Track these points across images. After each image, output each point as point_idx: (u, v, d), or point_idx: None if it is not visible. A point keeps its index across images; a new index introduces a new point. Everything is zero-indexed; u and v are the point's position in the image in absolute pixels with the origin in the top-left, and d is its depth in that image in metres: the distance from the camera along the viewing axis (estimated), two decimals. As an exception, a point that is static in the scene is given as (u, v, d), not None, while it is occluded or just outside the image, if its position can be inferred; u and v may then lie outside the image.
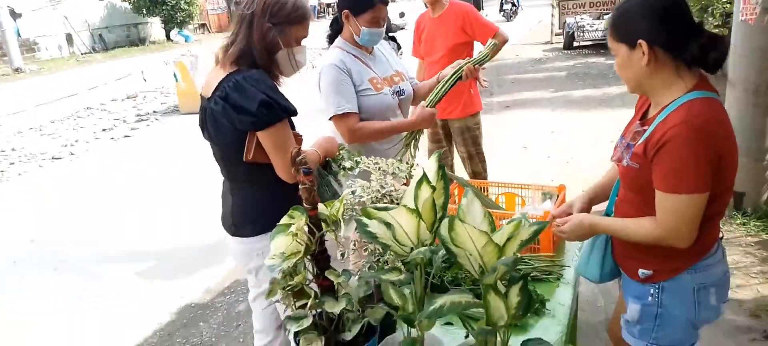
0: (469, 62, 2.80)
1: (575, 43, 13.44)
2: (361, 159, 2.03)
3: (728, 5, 7.16)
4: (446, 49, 3.80)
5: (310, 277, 1.44)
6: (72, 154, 8.24)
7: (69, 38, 22.20)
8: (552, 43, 14.82)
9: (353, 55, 2.61)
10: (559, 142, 6.55)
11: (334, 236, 1.47)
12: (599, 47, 12.90)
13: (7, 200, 6.56)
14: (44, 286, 4.35)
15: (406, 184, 1.71)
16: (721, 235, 1.77)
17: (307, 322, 1.39)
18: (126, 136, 9.09)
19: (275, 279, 1.42)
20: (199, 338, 3.46)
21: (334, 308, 1.38)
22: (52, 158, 8.04)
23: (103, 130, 9.54)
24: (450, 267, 2.00)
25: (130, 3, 23.50)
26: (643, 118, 1.74)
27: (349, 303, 1.41)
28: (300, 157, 1.43)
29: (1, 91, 14.47)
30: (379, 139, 2.63)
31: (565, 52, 13.47)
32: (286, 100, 1.95)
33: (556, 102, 8.58)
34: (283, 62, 2.03)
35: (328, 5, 33.01)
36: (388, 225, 1.31)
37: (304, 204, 1.42)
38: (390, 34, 8.61)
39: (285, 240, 1.38)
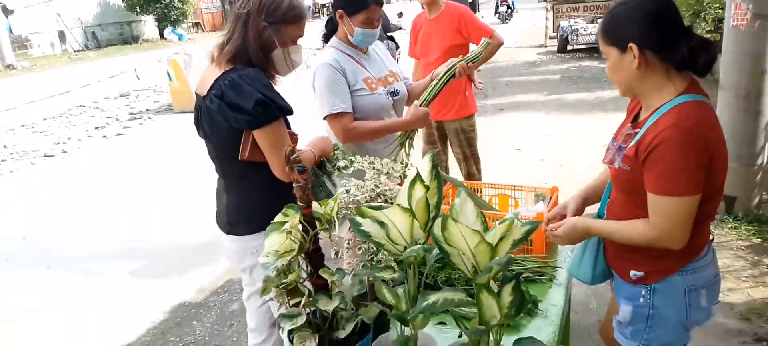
0: (462, 60, 2.81)
1: (569, 47, 13.50)
2: (356, 158, 2.03)
3: (720, 10, 7.21)
4: (442, 50, 3.82)
5: (304, 275, 1.45)
6: (64, 152, 8.21)
7: (62, 35, 22.08)
8: (546, 47, 14.88)
9: (348, 55, 2.61)
10: (552, 145, 6.58)
11: (327, 235, 1.48)
12: (593, 51, 12.95)
13: (-1, 197, 6.54)
14: (36, 283, 4.33)
15: (400, 184, 1.72)
16: (711, 237, 1.79)
17: (300, 320, 1.40)
18: (119, 135, 9.06)
19: (269, 277, 1.42)
20: (193, 337, 3.45)
21: (328, 306, 1.39)
22: (45, 156, 8.01)
23: (96, 128, 9.51)
24: (443, 267, 2.01)
25: (123, 1, 23.40)
26: (635, 120, 1.76)
27: (343, 301, 1.41)
28: (294, 156, 1.43)
29: (-8, 88, 14.41)
30: (374, 138, 2.64)
31: (559, 55, 13.52)
32: (282, 99, 1.95)
33: (549, 105, 8.62)
34: (279, 61, 2.03)
35: (323, 5, 33.00)
36: (382, 224, 1.32)
37: (299, 202, 1.42)
38: (389, 34, 8.63)
39: (279, 238, 1.39)
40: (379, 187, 1.69)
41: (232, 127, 1.91)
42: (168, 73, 9.99)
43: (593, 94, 8.94)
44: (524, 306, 1.81)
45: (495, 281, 1.28)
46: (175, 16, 24.32)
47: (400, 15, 10.60)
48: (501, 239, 1.26)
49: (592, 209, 2.03)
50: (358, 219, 1.35)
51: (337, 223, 1.49)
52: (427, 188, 1.32)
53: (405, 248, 1.34)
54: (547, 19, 15.40)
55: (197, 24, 28.72)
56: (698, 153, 1.52)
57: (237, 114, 1.86)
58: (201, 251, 4.51)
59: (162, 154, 7.75)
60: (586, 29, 12.82)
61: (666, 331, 1.76)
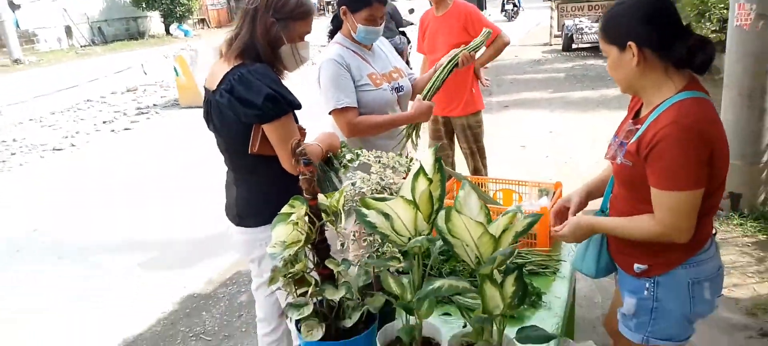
0: (464, 49, 2.84)
1: (574, 46, 13.47)
2: (362, 152, 2.06)
3: (725, 10, 7.20)
4: (448, 47, 3.80)
5: (311, 265, 1.47)
6: (73, 145, 8.27)
7: (68, 30, 22.18)
8: (551, 45, 14.85)
9: (352, 51, 2.63)
10: (557, 143, 6.60)
11: (334, 227, 1.50)
12: (597, 50, 12.89)
13: (10, 189, 6.60)
14: (47, 275, 4.38)
15: (405, 178, 1.75)
16: (714, 231, 1.80)
17: (308, 309, 1.42)
18: (126, 129, 9.11)
19: (277, 267, 1.45)
20: (202, 328, 3.50)
21: (335, 295, 1.41)
22: (54, 149, 8.07)
23: (104, 122, 9.57)
24: (448, 259, 2.04)
25: (130, -4, 23.54)
26: (636, 117, 1.78)
27: (349, 291, 1.44)
28: (300, 149, 1.46)
29: (0, 82, 14.47)
30: (378, 133, 2.66)
31: (564, 53, 13.50)
32: (291, 93, 1.98)
33: (554, 103, 8.62)
34: (287, 57, 2.05)
35: (328, 3, 32.97)
36: (387, 216, 1.35)
37: (305, 194, 1.45)
38: (401, 29, 8.68)
39: (286, 229, 1.41)
40: (384, 180, 1.72)
41: (241, 122, 1.93)
42: (175, 68, 10.03)
43: (598, 93, 8.94)
44: (527, 297, 1.85)
45: (499, 272, 1.31)
46: (180, 12, 24.40)
47: (411, 11, 10.63)
48: (504, 231, 1.28)
49: (596, 204, 2.05)
50: (364, 210, 1.38)
51: (343, 215, 1.52)
52: (430, 180, 1.35)
53: (409, 239, 1.36)
54: (552, 17, 15.36)
55: (203, 20, 28.79)
56: (698, 149, 1.54)
57: (247, 109, 1.89)
58: (209, 244, 4.55)
59: (169, 149, 7.80)
60: (591, 28, 12.81)
61: (670, 323, 1.78)
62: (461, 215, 1.25)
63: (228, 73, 1.94)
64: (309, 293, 1.43)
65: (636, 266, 1.77)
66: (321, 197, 1.49)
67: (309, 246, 1.45)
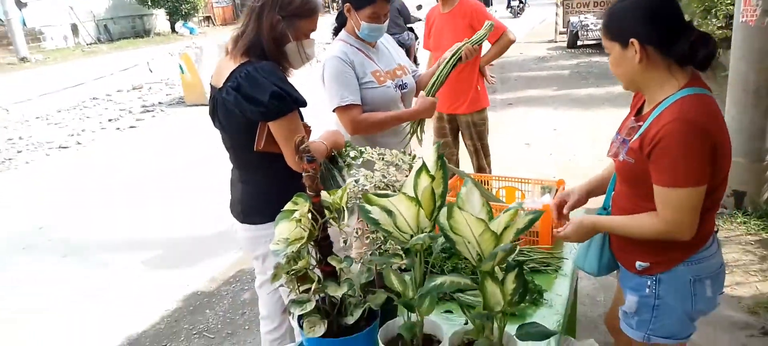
0: (467, 42, 2.84)
1: (579, 42, 13.44)
2: (366, 149, 2.07)
3: (731, 6, 7.16)
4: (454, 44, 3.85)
5: (314, 262, 1.48)
6: (79, 143, 8.31)
7: (74, 28, 22.26)
8: (556, 42, 14.82)
9: (356, 48, 2.64)
10: (561, 140, 6.59)
11: (336, 224, 1.51)
12: (603, 46, 12.85)
13: (16, 187, 6.64)
14: (51, 272, 4.41)
15: (408, 175, 1.76)
16: (715, 228, 1.81)
17: (310, 306, 1.44)
18: (132, 127, 9.14)
19: (279, 264, 1.46)
20: (206, 325, 3.52)
21: (337, 292, 1.43)
22: (59, 147, 8.11)
23: (109, 120, 9.60)
24: (450, 257, 2.05)
25: (135, -6, 23.59)
26: (638, 114, 1.78)
27: (351, 288, 1.45)
28: (303, 146, 1.47)
29: (6, 80, 14.55)
30: (382, 129, 2.66)
31: (569, 50, 13.48)
32: (297, 91, 1.99)
33: (558, 100, 8.61)
34: (293, 54, 2.06)
35: (333, 0, 32.98)
36: (389, 212, 1.36)
37: (308, 191, 1.46)
38: (409, 26, 8.69)
39: (289, 226, 1.42)
40: (387, 177, 1.73)
41: (247, 119, 1.94)
42: (180, 66, 10.05)
43: (603, 90, 8.92)
44: (528, 295, 1.86)
45: (500, 269, 1.32)
46: (186, 10, 24.43)
47: (419, 7, 10.63)
48: (505, 228, 1.29)
49: (598, 202, 2.06)
50: (367, 206, 1.39)
51: (346, 212, 1.53)
52: (433, 177, 1.36)
53: (411, 236, 1.37)
54: (557, 14, 15.34)
55: (208, 18, 28.85)
56: (701, 145, 1.55)
57: (253, 106, 1.90)
58: (213, 242, 4.58)
59: (174, 147, 7.83)
60: (596, 25, 12.75)
61: (671, 321, 1.78)
62: (463, 212, 1.25)
63: (234, 70, 1.95)
64: (311, 289, 1.44)
65: (638, 263, 1.78)
66: (324, 194, 1.50)
67: (312, 243, 1.46)
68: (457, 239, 1.30)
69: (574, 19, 13.57)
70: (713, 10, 7.98)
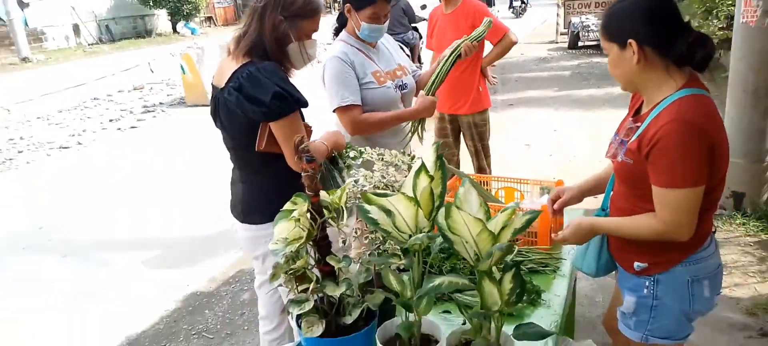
0: (466, 39, 2.84)
1: (580, 43, 13.45)
2: (366, 149, 2.08)
3: (732, 7, 7.16)
4: (456, 45, 3.86)
5: (312, 262, 1.49)
6: (79, 143, 8.31)
7: (76, 29, 22.29)
8: (557, 43, 14.83)
9: (357, 49, 2.65)
10: (561, 141, 6.59)
11: (335, 224, 1.52)
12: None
13: (16, 187, 6.65)
14: (51, 272, 4.42)
15: (407, 175, 1.76)
16: (713, 229, 1.81)
17: (308, 305, 1.44)
18: (133, 127, 9.15)
19: (278, 264, 1.47)
20: (205, 325, 3.52)
21: (335, 292, 1.43)
22: (60, 147, 8.12)
23: (110, 120, 9.61)
24: (448, 258, 2.05)
25: (137, -5, 23.63)
26: (636, 114, 1.79)
27: (350, 288, 1.46)
28: (303, 146, 1.48)
29: (8, 80, 14.57)
30: (382, 129, 2.67)
31: (570, 51, 13.48)
32: (299, 92, 1.99)
33: (559, 101, 8.61)
34: (295, 55, 2.07)
35: (334, 0, 33.00)
36: (388, 212, 1.36)
37: (307, 191, 1.46)
38: (413, 25, 8.69)
39: (288, 226, 1.43)
40: (386, 177, 1.73)
41: (248, 119, 1.95)
42: (181, 66, 10.05)
43: (603, 91, 8.92)
44: (526, 295, 1.86)
45: (498, 269, 1.32)
46: (187, 11, 24.48)
47: (424, 7, 10.65)
48: (503, 228, 1.29)
49: (596, 202, 2.06)
50: (366, 206, 1.39)
51: (345, 212, 1.53)
52: (432, 177, 1.37)
53: (410, 236, 1.38)
54: (558, 15, 15.34)
55: (210, 18, 28.88)
56: (699, 145, 1.55)
57: (254, 106, 1.90)
58: (212, 242, 4.59)
59: (175, 147, 7.84)
60: (597, 26, 12.75)
61: (669, 321, 1.79)
62: (461, 212, 1.26)
63: (236, 70, 1.96)
64: (310, 289, 1.45)
65: (636, 264, 1.78)
66: (323, 193, 1.50)
67: (310, 243, 1.47)
68: (455, 239, 1.31)
69: (575, 19, 13.59)
70: (714, 11, 7.99)
